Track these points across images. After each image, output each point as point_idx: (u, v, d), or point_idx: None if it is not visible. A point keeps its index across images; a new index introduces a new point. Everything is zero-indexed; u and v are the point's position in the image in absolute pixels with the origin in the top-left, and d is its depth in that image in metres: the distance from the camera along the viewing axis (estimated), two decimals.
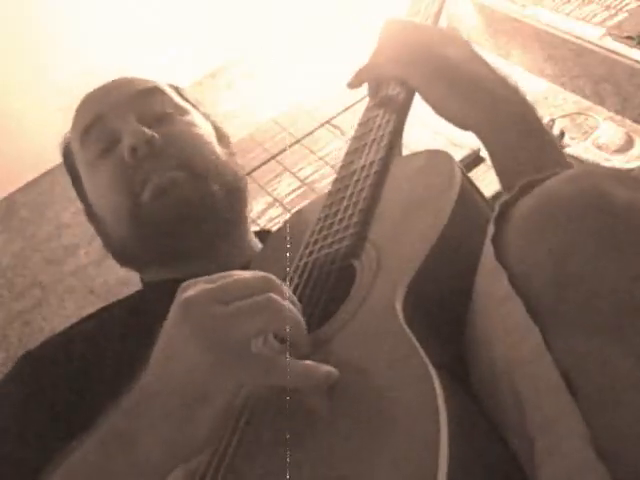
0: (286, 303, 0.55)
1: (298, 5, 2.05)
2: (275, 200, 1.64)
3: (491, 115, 0.74)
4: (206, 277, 0.57)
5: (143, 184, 0.86)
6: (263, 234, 0.99)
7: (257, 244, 0.95)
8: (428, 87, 0.77)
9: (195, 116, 0.95)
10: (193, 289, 0.55)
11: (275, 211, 1.62)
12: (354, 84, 0.83)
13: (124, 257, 0.94)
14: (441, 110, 0.77)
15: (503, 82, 0.77)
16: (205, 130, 0.94)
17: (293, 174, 1.70)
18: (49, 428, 0.74)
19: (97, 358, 0.79)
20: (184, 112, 0.94)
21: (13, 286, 1.75)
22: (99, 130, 0.90)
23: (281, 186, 1.69)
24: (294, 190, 1.67)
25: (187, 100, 0.98)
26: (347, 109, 1.76)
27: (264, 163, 1.74)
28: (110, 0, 1.89)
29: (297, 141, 1.78)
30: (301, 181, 1.68)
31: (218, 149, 0.93)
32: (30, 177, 1.80)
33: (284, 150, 1.76)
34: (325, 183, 1.61)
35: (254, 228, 1.60)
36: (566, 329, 0.48)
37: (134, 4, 1.92)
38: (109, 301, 0.98)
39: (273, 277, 0.57)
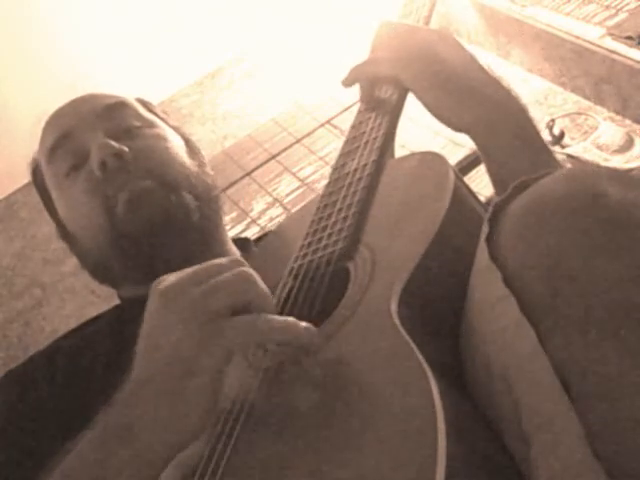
0: (253, 275, 0.57)
1: (298, 5, 2.05)
2: (275, 200, 1.64)
3: (486, 117, 0.75)
4: (176, 272, 0.59)
5: (115, 197, 0.85)
6: (243, 241, 0.99)
7: (236, 253, 0.94)
8: (423, 89, 0.77)
9: (163, 129, 0.95)
10: (168, 279, 0.58)
11: (275, 211, 1.62)
12: (348, 81, 0.84)
13: (101, 274, 0.93)
14: (436, 112, 0.77)
15: (497, 84, 0.77)
16: (174, 142, 0.94)
17: (293, 174, 1.71)
18: (33, 446, 0.75)
19: (80, 374, 0.80)
20: (152, 125, 0.94)
21: (13, 286, 1.75)
22: (67, 147, 0.90)
23: (281, 186, 1.69)
24: (294, 190, 1.67)
25: (155, 114, 0.98)
26: (347, 109, 1.76)
27: (264, 163, 1.74)
28: (110, 0, 1.89)
29: (297, 141, 1.78)
30: (301, 181, 1.68)
31: (188, 160, 0.93)
32: (30, 177, 1.79)
33: (284, 150, 1.76)
34: (325, 183, 1.61)
35: (254, 228, 1.61)
36: (561, 328, 0.48)
37: (134, 4, 1.92)
38: (109, 301, 0.98)
39: (240, 258, 0.60)
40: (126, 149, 0.87)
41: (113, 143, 0.86)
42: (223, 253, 0.92)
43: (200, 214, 0.88)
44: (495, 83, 0.77)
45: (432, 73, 0.76)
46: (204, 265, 0.58)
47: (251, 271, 0.57)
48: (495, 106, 0.75)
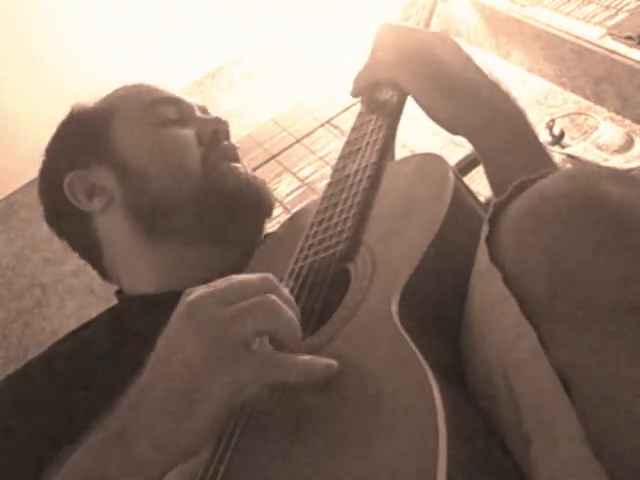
0: (283, 305, 0.56)
1: (298, 5, 2.05)
2: (275, 200, 1.64)
3: (483, 120, 0.75)
4: (207, 284, 0.57)
5: (216, 164, 0.90)
6: None
7: None
8: (422, 91, 0.77)
9: None
10: (195, 293, 0.56)
11: (275, 211, 1.61)
12: (355, 92, 0.85)
13: (154, 218, 0.90)
14: (433, 114, 0.78)
15: (495, 87, 0.78)
16: None
17: (293, 174, 1.71)
18: (32, 451, 0.74)
19: (78, 378, 0.80)
20: None
21: (13, 286, 1.75)
22: (175, 108, 0.94)
23: (281, 186, 1.69)
24: (294, 190, 1.67)
25: None
26: (347, 109, 1.76)
27: (264, 163, 1.74)
28: (110, 0, 1.89)
29: (297, 141, 1.78)
30: (301, 181, 1.68)
31: None
32: (30, 177, 1.80)
33: (284, 150, 1.76)
34: (325, 183, 1.61)
35: None
36: (562, 329, 0.48)
37: (134, 4, 1.92)
38: (109, 301, 0.98)
39: (272, 277, 0.58)
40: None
41: (226, 121, 0.95)
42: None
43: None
44: (493, 85, 0.77)
45: (430, 75, 0.77)
46: (236, 283, 0.57)
47: (279, 299, 0.56)
48: (493, 109, 0.75)
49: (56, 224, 0.97)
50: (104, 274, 0.97)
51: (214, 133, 0.92)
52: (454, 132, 0.78)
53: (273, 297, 0.55)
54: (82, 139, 0.95)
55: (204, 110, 0.98)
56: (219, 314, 0.54)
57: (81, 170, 0.92)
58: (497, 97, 0.77)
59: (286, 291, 0.58)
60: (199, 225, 0.89)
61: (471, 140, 0.77)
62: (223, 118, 0.95)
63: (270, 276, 0.58)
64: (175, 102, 0.95)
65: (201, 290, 0.57)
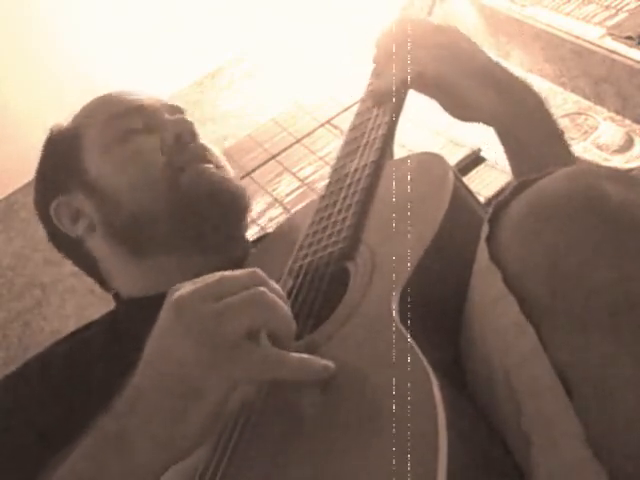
0: (275, 297, 0.55)
1: (298, 5, 2.05)
2: (275, 200, 1.63)
3: (523, 108, 0.79)
4: (194, 280, 0.57)
5: (182, 169, 0.88)
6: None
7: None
8: (464, 84, 0.79)
9: None
10: (183, 289, 0.56)
11: (275, 211, 1.61)
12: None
13: (132, 236, 0.91)
14: (474, 105, 0.79)
15: (517, 78, 0.81)
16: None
17: (293, 174, 1.70)
18: (28, 453, 0.74)
19: (75, 379, 0.80)
20: None
21: (13, 286, 1.75)
22: (139, 117, 0.92)
23: (281, 186, 1.69)
24: (294, 190, 1.66)
25: None
26: (347, 109, 1.76)
27: (264, 163, 1.74)
28: (110, 0, 1.89)
29: (297, 141, 1.78)
30: (301, 181, 1.68)
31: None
32: (30, 177, 1.79)
33: (284, 150, 1.76)
34: (325, 183, 1.61)
35: (254, 228, 1.60)
36: (561, 328, 0.48)
37: (134, 4, 1.92)
38: (109, 301, 0.98)
39: (259, 271, 0.57)
40: (199, 134, 0.92)
41: (192, 122, 0.91)
42: (243, 254, 0.92)
43: (247, 205, 0.93)
44: (515, 77, 0.81)
45: (469, 68, 0.79)
46: (222, 278, 0.56)
47: (269, 291, 0.55)
48: (526, 99, 0.80)
49: (54, 241, 0.99)
50: (102, 284, 0.98)
51: (177, 137, 0.90)
52: (486, 119, 0.81)
53: (262, 289, 0.55)
54: (60, 165, 0.96)
55: (174, 111, 0.96)
56: (208, 311, 0.54)
57: (64, 196, 0.93)
58: (525, 88, 0.81)
59: (275, 284, 0.57)
60: (178, 234, 0.88)
61: (506, 129, 0.80)
62: (183, 118, 0.92)
63: (257, 270, 0.57)
64: (138, 110, 0.93)
65: (187, 287, 0.56)
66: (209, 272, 0.77)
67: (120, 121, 0.92)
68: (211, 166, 0.90)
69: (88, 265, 0.97)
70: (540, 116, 0.80)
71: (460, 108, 0.81)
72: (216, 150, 0.95)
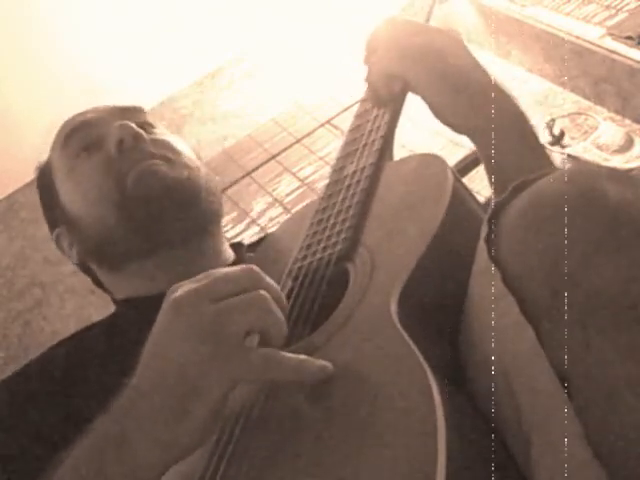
0: (273, 302, 0.56)
1: (298, 5, 2.05)
2: (275, 200, 1.64)
3: (492, 120, 0.75)
4: (192, 278, 0.57)
5: (127, 174, 0.87)
6: (235, 246, 1.00)
7: (231, 255, 0.95)
8: (431, 88, 0.77)
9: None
10: (181, 289, 0.56)
11: (275, 211, 1.62)
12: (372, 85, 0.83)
13: (102, 255, 0.92)
14: (442, 111, 0.78)
15: (500, 89, 0.79)
16: (185, 142, 0.97)
17: (293, 174, 1.71)
18: (29, 455, 0.74)
19: (75, 382, 0.80)
20: (163, 128, 0.98)
21: (13, 286, 1.75)
22: (84, 132, 0.92)
23: (281, 186, 1.69)
24: (294, 190, 1.67)
25: None
26: (347, 109, 1.76)
27: (264, 163, 1.74)
28: (110, 0, 1.89)
29: (297, 141, 1.78)
30: (301, 181, 1.68)
31: (194, 156, 0.95)
32: (30, 177, 1.80)
33: (284, 150, 1.76)
34: (324, 184, 1.61)
35: (254, 228, 1.61)
36: (561, 328, 0.48)
37: (134, 4, 1.92)
38: (109, 301, 0.98)
39: (256, 269, 0.57)
40: (144, 134, 0.89)
41: (133, 125, 0.89)
42: (218, 251, 0.93)
43: (206, 197, 0.90)
44: (498, 87, 0.78)
45: (440, 72, 0.77)
46: (220, 277, 0.56)
47: (267, 292, 0.55)
48: (500, 110, 0.76)
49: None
50: (102, 288, 0.99)
51: (119, 144, 0.88)
52: (459, 131, 0.79)
53: (263, 293, 0.55)
54: (47, 202, 0.99)
55: (128, 113, 0.94)
56: (208, 311, 0.54)
57: (59, 228, 0.96)
58: (503, 98, 0.78)
59: (272, 282, 0.57)
60: (140, 238, 0.88)
61: (476, 139, 0.78)
62: (123, 123, 0.90)
63: (254, 267, 0.57)
64: (83, 127, 0.93)
65: (186, 286, 0.56)
66: (192, 266, 0.78)
67: (70, 141, 0.93)
68: (156, 162, 0.88)
69: (89, 275, 0.99)
70: (518, 127, 0.78)
71: (434, 112, 0.79)
72: (174, 139, 0.94)
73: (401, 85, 0.79)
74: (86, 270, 0.98)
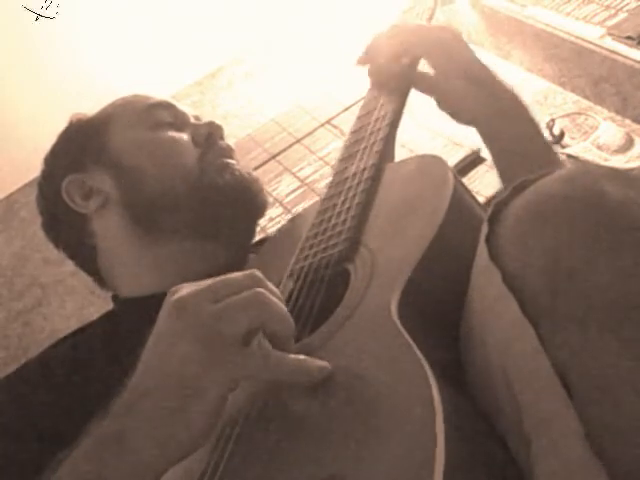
0: (273, 297, 0.56)
1: (298, 5, 2.05)
2: (275, 200, 1.63)
3: (502, 108, 0.81)
4: (193, 282, 0.57)
5: (212, 163, 0.92)
6: None
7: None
8: (446, 73, 0.82)
9: None
10: (182, 290, 0.56)
11: (275, 211, 1.61)
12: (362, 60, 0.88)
13: (151, 214, 0.92)
14: (454, 98, 0.82)
15: (504, 83, 0.84)
16: None
17: (293, 174, 1.70)
18: (28, 455, 0.74)
19: (74, 381, 0.80)
20: None
21: (13, 286, 1.75)
22: (170, 112, 0.97)
23: (281, 186, 1.69)
24: (294, 190, 1.67)
25: None
26: (347, 109, 1.76)
27: (264, 163, 1.74)
28: (110, 1, 1.89)
29: (297, 141, 1.78)
30: (301, 181, 1.68)
31: None
32: (30, 177, 1.80)
33: (284, 150, 1.76)
34: (325, 183, 1.61)
35: None
36: (561, 327, 0.48)
37: (134, 4, 1.92)
38: (109, 301, 0.98)
39: (258, 273, 0.58)
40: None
41: (221, 124, 0.97)
42: (246, 258, 0.93)
43: (265, 207, 0.97)
44: (502, 81, 0.84)
45: (453, 59, 0.82)
46: (221, 280, 0.56)
47: (267, 292, 0.56)
48: (509, 99, 0.82)
49: (53, 230, 0.99)
50: (100, 281, 0.98)
51: (209, 135, 0.95)
52: (468, 120, 0.83)
53: (261, 290, 0.55)
54: (79, 144, 0.97)
55: (197, 118, 1.00)
56: (208, 311, 0.54)
57: (78, 174, 0.94)
58: (510, 90, 0.84)
59: (272, 286, 0.58)
60: (193, 221, 0.90)
61: (485, 128, 0.82)
62: (217, 122, 0.98)
63: (256, 272, 0.58)
64: (169, 107, 0.98)
65: (187, 287, 0.56)
66: (213, 266, 0.78)
67: (153, 112, 0.96)
68: (234, 162, 0.95)
69: (85, 251, 0.96)
70: (521, 112, 0.83)
71: (447, 105, 0.84)
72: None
73: (410, 59, 0.83)
74: (81, 243, 0.96)
